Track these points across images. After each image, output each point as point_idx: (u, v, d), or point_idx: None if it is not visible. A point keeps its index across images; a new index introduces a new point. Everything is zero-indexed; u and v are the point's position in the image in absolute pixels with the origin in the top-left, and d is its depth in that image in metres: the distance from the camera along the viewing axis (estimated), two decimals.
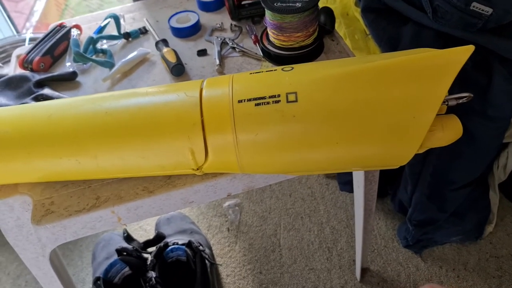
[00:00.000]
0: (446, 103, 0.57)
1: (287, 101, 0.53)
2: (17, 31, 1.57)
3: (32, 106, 0.62)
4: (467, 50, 0.52)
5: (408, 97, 0.52)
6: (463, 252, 1.12)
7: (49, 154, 0.57)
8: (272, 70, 0.58)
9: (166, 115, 0.56)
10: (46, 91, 0.79)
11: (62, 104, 0.61)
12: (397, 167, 0.57)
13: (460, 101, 0.57)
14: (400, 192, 1.11)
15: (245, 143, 0.54)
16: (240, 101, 0.54)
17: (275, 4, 0.73)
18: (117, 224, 0.64)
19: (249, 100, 0.54)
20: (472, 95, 0.57)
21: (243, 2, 0.89)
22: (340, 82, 0.53)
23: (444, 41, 0.88)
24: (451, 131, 0.57)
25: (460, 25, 0.82)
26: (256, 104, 0.54)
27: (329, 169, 0.59)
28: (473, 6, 0.77)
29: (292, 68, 0.58)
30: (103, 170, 0.59)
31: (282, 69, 0.58)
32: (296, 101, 0.53)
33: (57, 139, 0.57)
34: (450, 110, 0.58)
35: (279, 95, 0.53)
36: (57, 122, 0.58)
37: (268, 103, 0.53)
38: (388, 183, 1.18)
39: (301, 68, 0.58)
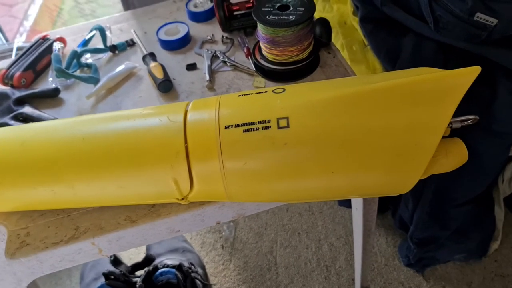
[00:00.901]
0: (450, 125, 0.53)
1: (278, 127, 0.49)
2: (6, 40, 1.53)
3: (4, 132, 0.57)
4: (473, 72, 0.48)
5: (411, 122, 0.48)
6: (467, 270, 1.08)
7: (22, 184, 0.53)
8: (262, 92, 0.54)
9: (147, 143, 0.51)
10: (26, 109, 0.75)
11: (37, 129, 0.57)
12: (398, 194, 0.53)
13: (465, 123, 0.54)
14: (401, 209, 1.07)
15: (232, 172, 0.50)
16: (227, 127, 0.50)
17: (267, 17, 0.69)
18: (98, 256, 0.60)
19: (237, 125, 0.50)
20: (478, 118, 0.54)
21: (235, 13, 0.85)
22: (336, 106, 0.49)
23: (446, 53, 0.84)
24: (456, 156, 0.53)
25: (463, 36, 0.78)
26: (245, 130, 0.49)
27: (325, 198, 0.55)
28: (477, 17, 0.73)
29: (284, 90, 0.53)
30: (81, 200, 0.55)
31: (273, 91, 0.54)
32: (287, 127, 0.49)
33: (31, 168, 0.53)
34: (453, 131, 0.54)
35: (269, 121, 0.49)
36: (30, 149, 0.54)
37: (257, 129, 0.49)
38: (388, 198, 1.14)
39: (293, 90, 0.53)
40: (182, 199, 0.54)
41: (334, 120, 0.49)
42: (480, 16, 0.73)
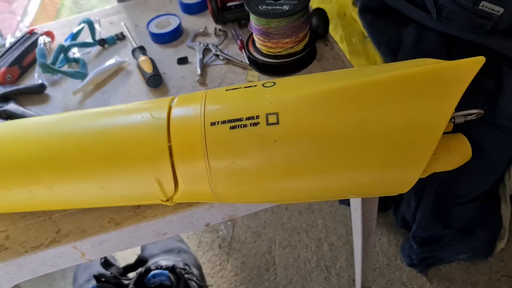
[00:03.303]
0: (453, 120, 0.49)
1: (267, 123, 0.45)
2: (1, 35, 1.50)
3: None
4: (477, 62, 0.44)
5: (409, 117, 0.44)
6: (472, 271, 1.05)
7: None
8: (251, 86, 0.51)
9: (128, 141, 0.48)
10: (10, 106, 0.72)
11: (13, 126, 0.54)
12: (396, 194, 0.50)
13: (469, 118, 0.50)
14: (403, 208, 1.03)
15: (219, 172, 0.47)
16: (213, 124, 0.47)
17: (260, 7, 0.66)
18: (82, 260, 0.57)
19: (224, 122, 0.46)
20: (482, 112, 0.50)
21: (228, 4, 0.81)
22: (329, 101, 0.46)
23: (449, 44, 0.81)
24: (459, 154, 0.50)
25: (467, 27, 0.74)
26: (232, 127, 0.46)
27: (318, 198, 0.52)
28: (482, 6, 0.70)
29: (275, 83, 0.50)
30: (61, 201, 0.52)
31: (263, 85, 0.50)
32: (277, 123, 0.45)
33: (6, 168, 0.50)
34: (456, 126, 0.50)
35: (258, 116, 0.46)
36: (5, 148, 0.51)
37: (245, 125, 0.46)
38: (389, 196, 1.10)
39: (284, 84, 0.50)
40: (167, 200, 0.51)
41: (326, 115, 0.45)
42: (485, 5, 0.69)
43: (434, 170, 0.49)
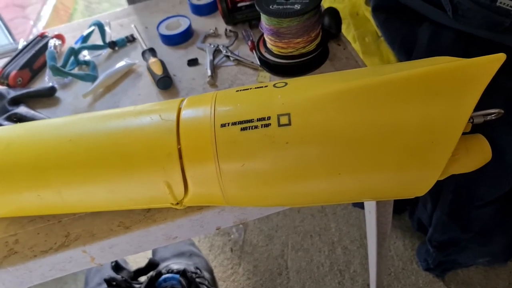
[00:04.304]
0: (471, 120, 0.47)
1: (279, 125, 0.44)
2: (14, 39, 1.52)
3: None
4: (497, 60, 0.43)
5: (427, 117, 0.43)
6: (491, 275, 1.02)
7: (7, 189, 0.50)
8: (262, 87, 0.49)
9: (137, 144, 0.47)
10: (21, 109, 0.72)
11: (23, 130, 0.53)
12: (413, 197, 0.48)
13: (488, 118, 0.48)
14: (419, 210, 1.01)
15: (230, 174, 0.46)
16: (223, 125, 0.45)
17: (271, 6, 0.64)
18: (91, 264, 0.56)
19: (234, 123, 0.45)
20: (502, 111, 0.48)
21: (239, 5, 0.80)
22: (342, 101, 0.44)
23: (465, 42, 0.79)
24: (478, 155, 0.48)
25: (484, 24, 0.72)
26: (242, 129, 0.45)
27: (332, 201, 0.51)
28: (500, 2, 0.68)
29: (286, 84, 0.49)
30: (70, 205, 0.51)
31: (274, 85, 0.49)
32: (289, 124, 0.44)
33: (16, 172, 0.50)
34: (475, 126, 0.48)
35: (269, 118, 0.45)
36: (15, 152, 0.50)
37: (256, 127, 0.44)
38: (405, 198, 1.08)
39: (296, 84, 0.49)
40: (177, 203, 0.50)
41: (340, 116, 0.44)
42: (503, 2, 0.67)
43: (452, 172, 0.48)
